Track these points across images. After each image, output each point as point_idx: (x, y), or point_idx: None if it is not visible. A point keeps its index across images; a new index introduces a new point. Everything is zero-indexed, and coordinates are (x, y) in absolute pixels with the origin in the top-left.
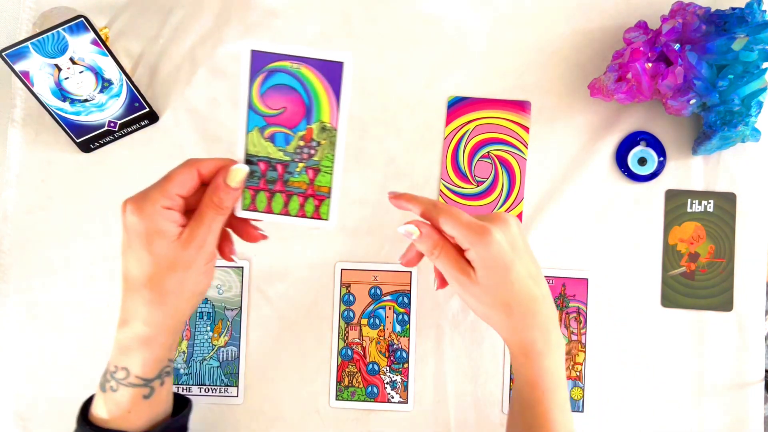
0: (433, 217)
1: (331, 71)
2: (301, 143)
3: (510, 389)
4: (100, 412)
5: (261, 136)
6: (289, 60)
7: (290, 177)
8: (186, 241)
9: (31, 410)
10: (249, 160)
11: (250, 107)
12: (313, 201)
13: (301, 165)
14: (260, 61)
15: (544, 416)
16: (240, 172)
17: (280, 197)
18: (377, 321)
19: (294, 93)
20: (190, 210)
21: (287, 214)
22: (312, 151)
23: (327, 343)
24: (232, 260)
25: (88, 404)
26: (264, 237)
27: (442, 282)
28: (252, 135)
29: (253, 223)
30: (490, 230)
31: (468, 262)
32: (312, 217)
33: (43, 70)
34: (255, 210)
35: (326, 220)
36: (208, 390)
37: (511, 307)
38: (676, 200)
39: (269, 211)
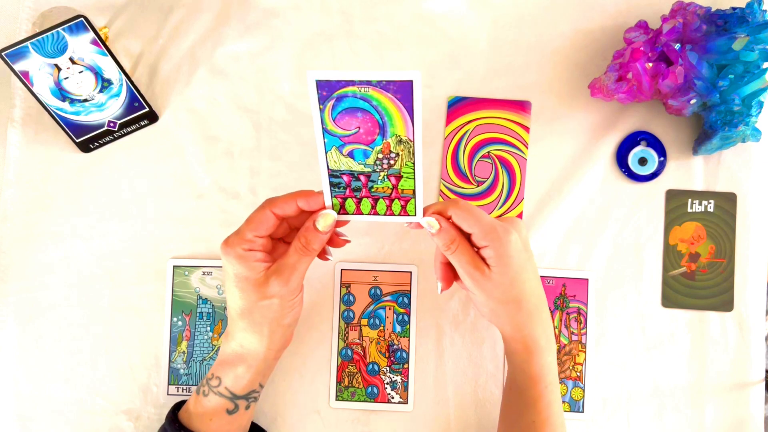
0: (452, 214)
1: (401, 90)
2: (380, 156)
3: None
4: (189, 409)
5: (340, 153)
6: (356, 85)
7: (374, 184)
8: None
9: (31, 410)
10: (333, 174)
11: (325, 130)
12: (399, 202)
13: (382, 174)
14: (326, 89)
15: (547, 410)
16: (329, 217)
17: (367, 201)
18: (377, 321)
19: (365, 114)
20: (290, 232)
21: (376, 213)
22: (392, 162)
23: (327, 343)
24: (328, 259)
25: (180, 405)
26: (347, 241)
27: (447, 283)
28: (331, 153)
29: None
30: (510, 230)
31: (482, 258)
32: (400, 215)
33: (43, 70)
34: (345, 213)
35: (413, 215)
36: None
37: (521, 303)
38: (676, 200)
39: (359, 213)
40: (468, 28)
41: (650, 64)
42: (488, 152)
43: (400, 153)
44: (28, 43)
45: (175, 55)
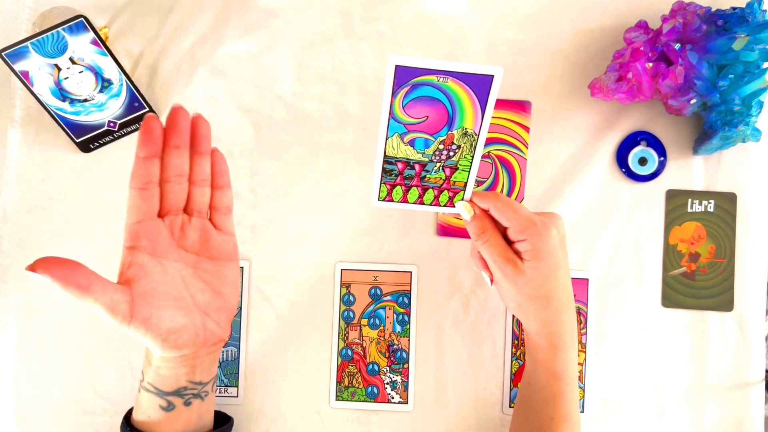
0: (491, 206)
1: (480, 83)
2: (441, 147)
3: (511, 389)
4: (136, 414)
5: (401, 140)
6: (436, 74)
7: (427, 174)
8: None
9: (31, 410)
10: (387, 161)
11: (392, 116)
12: (448, 193)
13: (438, 165)
14: (405, 75)
15: (566, 407)
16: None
17: (415, 190)
18: (377, 321)
19: (438, 103)
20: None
21: (422, 203)
22: (451, 153)
23: (327, 343)
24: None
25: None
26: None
27: (492, 272)
28: (392, 140)
29: None
30: (549, 226)
31: (516, 252)
32: (446, 206)
33: (43, 70)
34: (391, 200)
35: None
36: None
37: (551, 300)
38: (676, 200)
39: (405, 201)
40: (468, 28)
41: (650, 64)
42: (488, 152)
43: (462, 146)
44: (28, 43)
45: (175, 55)
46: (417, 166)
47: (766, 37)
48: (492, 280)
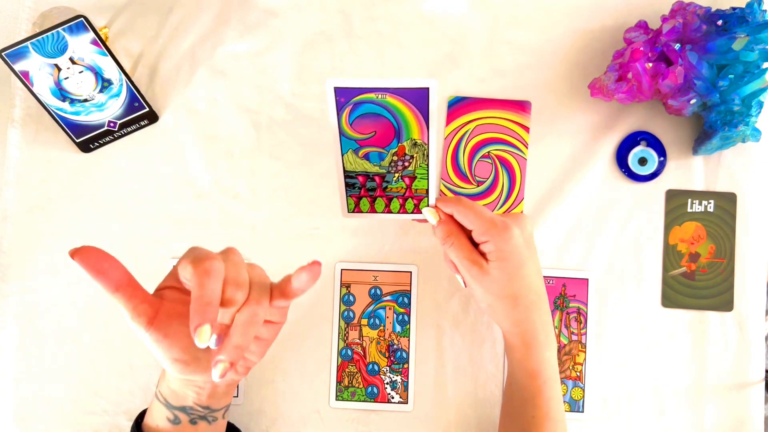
0: (454, 211)
1: (417, 96)
2: (395, 158)
3: None
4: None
5: (356, 156)
6: (374, 92)
7: (388, 185)
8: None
9: (31, 410)
10: (348, 175)
11: (342, 134)
12: (413, 201)
13: (396, 175)
14: (344, 95)
15: (546, 405)
16: (203, 335)
17: (381, 200)
18: (377, 321)
19: (382, 119)
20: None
21: (390, 212)
22: (406, 164)
23: (327, 343)
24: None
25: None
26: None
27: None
28: (347, 156)
29: None
30: (510, 226)
31: (481, 254)
32: (413, 212)
33: (43, 70)
34: (359, 212)
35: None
36: None
37: (518, 299)
38: (676, 200)
39: (373, 211)
40: (468, 28)
41: (650, 64)
42: (488, 152)
43: (415, 155)
44: (28, 43)
45: (175, 55)
46: (377, 178)
47: (766, 37)
48: (465, 283)
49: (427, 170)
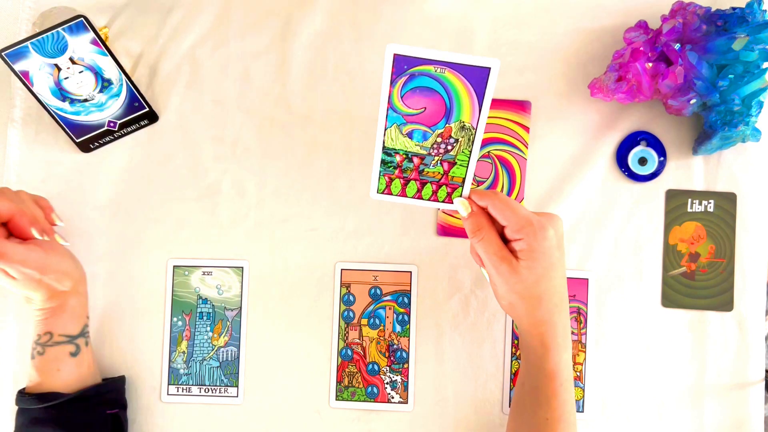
0: (488, 204)
1: (476, 75)
2: (439, 140)
3: (510, 389)
4: (32, 380)
5: (399, 132)
6: (434, 64)
7: (425, 168)
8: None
9: None
10: (386, 152)
11: (390, 106)
12: (446, 189)
13: (437, 158)
14: (403, 64)
15: (561, 408)
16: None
17: (414, 184)
18: (377, 321)
19: (435, 95)
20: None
21: (420, 198)
22: (449, 147)
23: (327, 343)
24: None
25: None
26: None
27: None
28: (390, 131)
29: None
30: (546, 226)
31: (512, 251)
32: (444, 202)
33: (43, 70)
34: (390, 194)
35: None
36: (208, 390)
37: (542, 300)
38: (676, 200)
39: (403, 195)
40: (468, 28)
41: (650, 64)
42: (488, 152)
43: (460, 139)
44: (28, 43)
45: (175, 55)
46: (415, 159)
47: (766, 37)
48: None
49: (469, 157)
